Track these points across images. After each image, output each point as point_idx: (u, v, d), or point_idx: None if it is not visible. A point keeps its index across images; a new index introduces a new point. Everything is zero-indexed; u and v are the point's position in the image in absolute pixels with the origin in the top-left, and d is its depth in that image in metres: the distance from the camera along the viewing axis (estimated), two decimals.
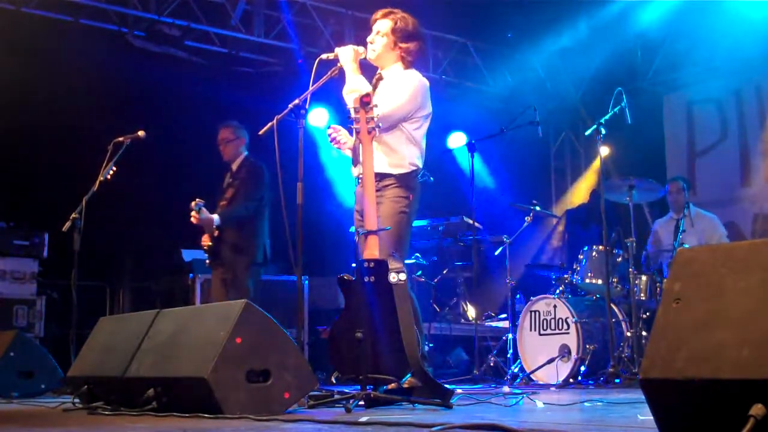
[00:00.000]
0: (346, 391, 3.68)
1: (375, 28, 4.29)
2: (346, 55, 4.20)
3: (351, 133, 4.03)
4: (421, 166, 4.26)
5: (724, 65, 8.63)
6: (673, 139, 9.37)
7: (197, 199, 5.56)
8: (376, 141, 3.99)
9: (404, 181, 4.14)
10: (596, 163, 8.54)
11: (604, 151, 6.03)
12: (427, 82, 4.26)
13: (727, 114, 8.83)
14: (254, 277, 5.78)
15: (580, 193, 10.41)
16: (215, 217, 5.67)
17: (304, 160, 4.12)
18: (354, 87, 4.12)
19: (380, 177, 4.07)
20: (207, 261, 5.84)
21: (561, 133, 10.65)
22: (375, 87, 4.27)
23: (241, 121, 6.10)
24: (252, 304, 3.26)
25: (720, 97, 8.89)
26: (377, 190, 4.03)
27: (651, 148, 9.13)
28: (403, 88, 4.16)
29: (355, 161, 4.24)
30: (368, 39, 4.31)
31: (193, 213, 5.56)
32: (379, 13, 4.30)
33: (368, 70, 4.33)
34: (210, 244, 5.72)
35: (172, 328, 3.54)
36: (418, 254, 7.42)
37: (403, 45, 4.22)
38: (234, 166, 5.94)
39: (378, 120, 3.78)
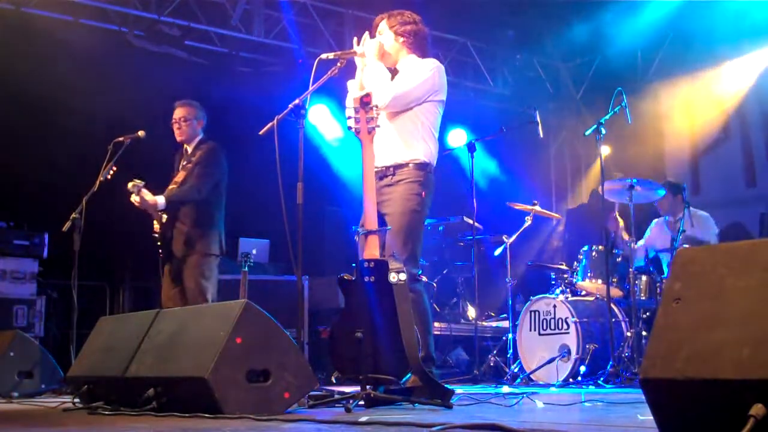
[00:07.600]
0: (346, 391, 3.68)
1: (377, 32, 4.35)
2: (372, 48, 4.17)
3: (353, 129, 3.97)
4: (434, 162, 4.20)
5: (725, 64, 8.62)
6: (674, 139, 9.35)
7: (135, 180, 4.97)
8: (388, 130, 3.99)
9: (418, 174, 4.07)
10: (597, 164, 8.52)
11: (605, 150, 6.03)
12: (442, 67, 4.26)
13: (729, 113, 8.81)
14: (211, 272, 5.17)
15: (580, 193, 10.41)
16: (160, 199, 5.06)
17: (304, 160, 4.12)
18: (376, 72, 4.11)
19: (393, 168, 4.06)
20: (159, 253, 5.20)
21: (561, 133, 10.65)
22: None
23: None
24: (252, 304, 3.25)
25: (721, 96, 8.87)
26: (389, 185, 4.03)
27: (650, 147, 9.12)
28: (418, 68, 4.18)
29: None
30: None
31: (132, 196, 4.98)
32: (377, 19, 4.38)
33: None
34: (159, 232, 5.16)
35: (172, 328, 3.54)
36: None
37: (401, 29, 4.25)
38: (189, 148, 5.44)
39: (392, 99, 3.84)
